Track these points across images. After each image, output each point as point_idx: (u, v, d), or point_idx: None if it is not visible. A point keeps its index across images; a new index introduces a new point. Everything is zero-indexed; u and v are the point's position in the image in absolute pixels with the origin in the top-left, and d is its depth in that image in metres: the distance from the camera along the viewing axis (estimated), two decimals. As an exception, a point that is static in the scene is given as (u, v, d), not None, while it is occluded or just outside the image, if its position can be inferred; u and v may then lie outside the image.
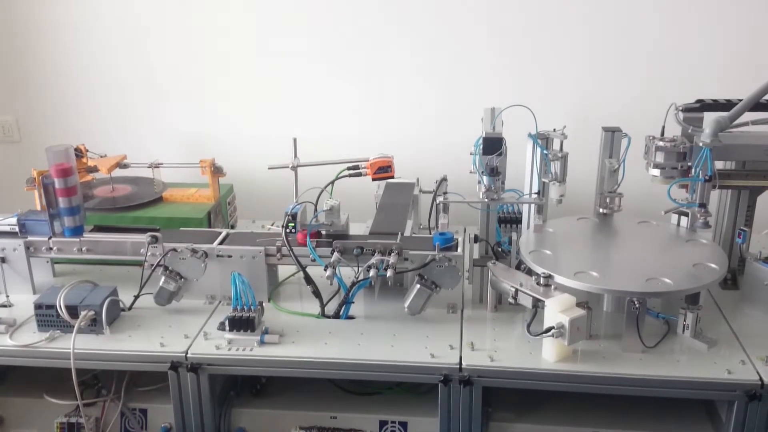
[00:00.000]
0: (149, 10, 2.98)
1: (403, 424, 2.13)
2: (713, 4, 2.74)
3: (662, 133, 2.19)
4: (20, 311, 2.21)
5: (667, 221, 2.33)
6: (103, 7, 2.99)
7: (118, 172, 2.71)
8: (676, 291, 1.96)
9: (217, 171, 2.66)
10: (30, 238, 2.30)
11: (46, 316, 2.10)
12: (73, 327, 2.05)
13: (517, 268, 2.17)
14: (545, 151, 2.18)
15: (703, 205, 2.15)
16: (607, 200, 2.32)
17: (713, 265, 2.03)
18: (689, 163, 2.15)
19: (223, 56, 3.01)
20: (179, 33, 3.00)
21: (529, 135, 2.19)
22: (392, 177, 2.34)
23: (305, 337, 2.08)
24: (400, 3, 2.86)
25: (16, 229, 2.30)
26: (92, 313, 2.08)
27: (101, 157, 2.71)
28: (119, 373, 2.21)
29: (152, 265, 2.21)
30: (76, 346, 2.02)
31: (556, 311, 1.88)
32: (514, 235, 2.21)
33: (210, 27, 2.97)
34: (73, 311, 2.08)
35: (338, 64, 2.97)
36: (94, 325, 2.09)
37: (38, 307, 2.10)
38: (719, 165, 2.21)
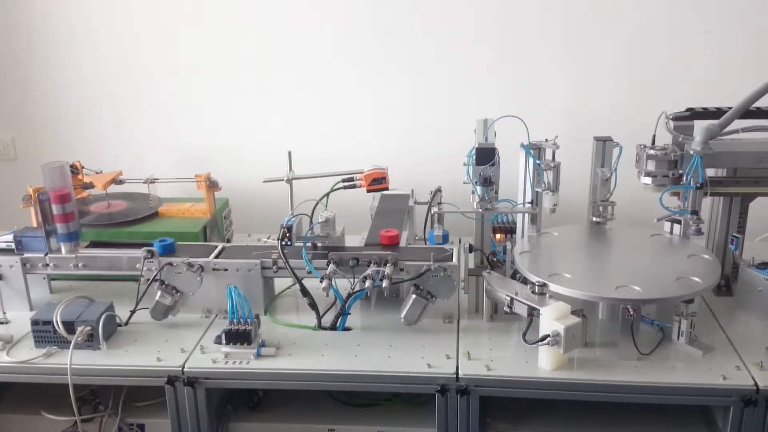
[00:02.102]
0: (145, 26, 3.00)
1: (401, 435, 2.13)
2: (703, 13, 2.77)
3: (653, 142, 2.21)
4: (17, 328, 2.21)
5: (660, 229, 2.34)
6: (98, 23, 3.01)
7: (113, 188, 2.73)
8: (671, 298, 1.98)
9: (212, 185, 2.68)
10: (26, 255, 2.31)
11: (43, 332, 2.10)
12: (70, 343, 2.05)
13: (512, 277, 2.18)
14: (538, 161, 2.19)
15: (695, 213, 2.17)
16: (600, 209, 2.34)
17: (696, 279, 2.04)
18: (680, 171, 2.17)
19: (216, 71, 3.03)
20: (175, 48, 3.01)
21: (522, 145, 2.21)
22: (387, 188, 2.35)
23: (302, 350, 2.08)
24: (392, 16, 2.89)
25: (13, 246, 2.31)
26: (89, 328, 2.08)
27: (97, 173, 2.72)
28: (116, 389, 2.20)
29: (148, 279, 2.22)
30: (73, 361, 2.02)
31: (551, 319, 1.89)
32: (508, 245, 2.22)
33: (205, 42, 2.99)
34: (69, 327, 2.08)
35: (332, 77, 2.99)
36: (90, 341, 2.09)
37: (35, 323, 2.10)
38: (710, 172, 2.23)
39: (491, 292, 2.12)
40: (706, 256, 2.18)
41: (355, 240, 2.38)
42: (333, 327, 2.18)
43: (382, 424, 2.14)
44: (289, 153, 2.39)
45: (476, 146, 2.17)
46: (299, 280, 2.22)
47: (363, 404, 2.20)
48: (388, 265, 2.13)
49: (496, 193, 2.19)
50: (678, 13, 2.78)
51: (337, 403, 2.20)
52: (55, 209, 2.26)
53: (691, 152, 2.11)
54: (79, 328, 2.07)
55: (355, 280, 2.14)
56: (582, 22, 2.82)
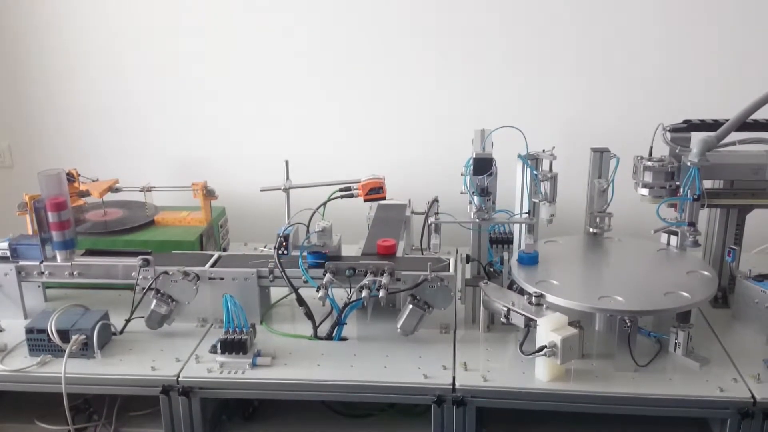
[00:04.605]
0: (140, 36, 3.00)
1: (397, 446, 2.12)
2: (700, 25, 2.78)
3: (650, 153, 2.21)
4: (11, 336, 2.20)
5: (657, 240, 2.34)
6: (93, 33, 3.01)
7: (109, 196, 2.72)
8: (667, 309, 1.98)
9: (209, 194, 2.67)
10: (21, 263, 2.30)
11: (37, 340, 2.09)
12: (65, 351, 2.04)
13: (509, 287, 2.17)
14: (535, 172, 2.19)
15: (692, 224, 2.16)
16: (597, 220, 2.34)
17: (685, 294, 2.02)
18: (677, 183, 2.17)
19: (214, 79, 3.03)
20: (171, 57, 3.02)
21: (519, 156, 2.21)
22: (384, 198, 2.35)
23: (298, 359, 2.08)
24: (389, 26, 2.90)
25: (8, 253, 2.30)
26: (83, 337, 2.07)
27: (93, 181, 2.72)
28: (111, 398, 2.19)
29: (144, 288, 2.21)
30: (67, 370, 2.01)
31: (548, 330, 1.88)
32: (505, 255, 2.22)
33: (202, 51, 3.00)
34: (64, 335, 2.07)
35: (329, 87, 2.99)
36: (85, 350, 2.08)
37: (29, 331, 2.09)
38: (707, 184, 2.23)
39: (488, 302, 2.12)
40: (706, 273, 2.15)
41: (351, 249, 2.38)
42: (329, 337, 2.18)
43: (378, 435, 2.13)
44: (286, 162, 2.39)
45: (474, 156, 2.17)
46: (295, 290, 2.21)
47: (359, 415, 2.19)
48: (384, 274, 2.12)
49: (494, 203, 2.19)
50: (675, 25, 2.79)
51: (333, 414, 2.19)
52: (51, 217, 2.25)
53: (688, 164, 2.11)
54: (74, 337, 2.06)
55: (352, 289, 2.14)
56: (580, 33, 2.83)
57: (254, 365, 2.03)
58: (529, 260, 2.20)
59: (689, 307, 2.00)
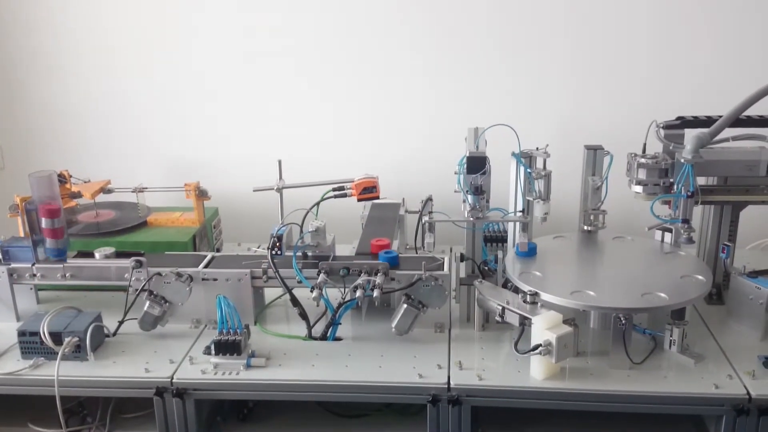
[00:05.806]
0: (132, 36, 2.99)
1: (393, 446, 2.12)
2: (693, 23, 2.78)
3: (644, 150, 2.21)
4: (3, 339, 2.18)
5: (650, 237, 2.34)
6: (85, 34, 3.00)
7: (102, 197, 2.71)
8: (665, 306, 1.98)
9: (201, 194, 2.66)
10: (13, 265, 2.29)
11: (30, 343, 2.08)
12: (57, 354, 2.03)
13: (504, 286, 2.17)
14: (529, 170, 2.19)
15: (686, 221, 2.16)
16: (591, 217, 2.34)
17: (663, 295, 2.00)
18: (671, 180, 2.17)
19: (207, 80, 3.02)
20: (162, 58, 3.01)
21: (513, 154, 2.20)
22: (377, 197, 2.35)
23: (292, 360, 2.07)
24: (383, 25, 2.89)
25: (-1, 256, 2.29)
26: (76, 339, 2.06)
27: (85, 182, 2.70)
28: (104, 400, 2.18)
29: (137, 290, 2.20)
30: (60, 373, 2.00)
31: (543, 329, 1.88)
32: (500, 254, 2.21)
33: (194, 51, 2.99)
34: (57, 338, 2.06)
35: (323, 86, 2.99)
36: (78, 352, 2.07)
37: (22, 334, 2.08)
38: (701, 181, 2.23)
39: (483, 301, 2.12)
40: (700, 277, 2.12)
41: (345, 249, 2.37)
42: (323, 337, 2.17)
43: (374, 435, 2.13)
44: (279, 162, 2.38)
45: (467, 155, 2.16)
46: (289, 290, 2.20)
47: (354, 415, 2.19)
48: (378, 274, 2.12)
49: (487, 201, 2.19)
50: (669, 23, 2.79)
51: (328, 414, 2.18)
52: (44, 223, 2.24)
53: (682, 161, 2.11)
54: (67, 339, 2.05)
55: (346, 289, 2.13)
56: (574, 31, 2.83)
57: (248, 366, 2.02)
58: (524, 253, 2.21)
59: (671, 307, 1.99)
